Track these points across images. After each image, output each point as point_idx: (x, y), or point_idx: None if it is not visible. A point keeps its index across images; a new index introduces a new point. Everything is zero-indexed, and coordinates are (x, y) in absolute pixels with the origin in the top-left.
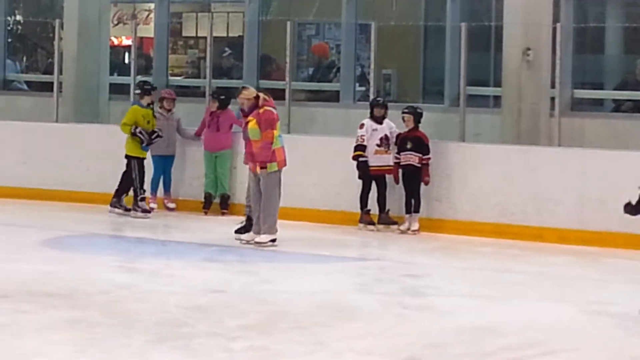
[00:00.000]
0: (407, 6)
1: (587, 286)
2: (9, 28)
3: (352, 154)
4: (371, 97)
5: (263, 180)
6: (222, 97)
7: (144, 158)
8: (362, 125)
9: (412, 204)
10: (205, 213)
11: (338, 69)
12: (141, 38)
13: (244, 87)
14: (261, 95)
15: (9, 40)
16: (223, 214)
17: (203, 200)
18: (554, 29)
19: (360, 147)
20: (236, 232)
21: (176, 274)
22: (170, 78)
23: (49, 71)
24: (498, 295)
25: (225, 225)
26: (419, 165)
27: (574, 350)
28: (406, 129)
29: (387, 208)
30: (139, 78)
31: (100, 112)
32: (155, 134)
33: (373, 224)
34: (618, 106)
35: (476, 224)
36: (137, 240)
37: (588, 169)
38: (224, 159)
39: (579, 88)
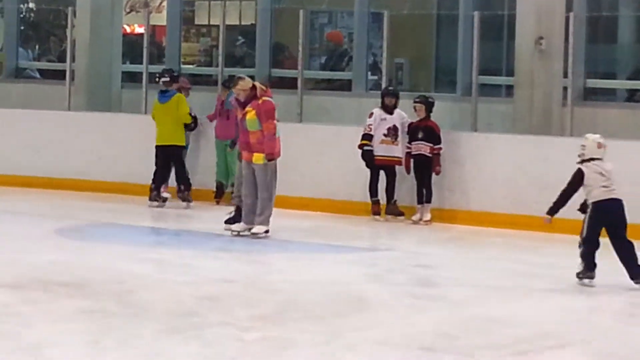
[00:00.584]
0: None
1: (600, 277)
2: (21, 16)
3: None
4: (383, 86)
5: (259, 171)
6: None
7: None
8: (371, 114)
9: (424, 194)
10: (217, 202)
11: (350, 58)
12: (154, 26)
13: (239, 78)
14: (257, 85)
15: (22, 28)
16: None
17: (215, 189)
18: (567, 18)
19: (366, 136)
20: (226, 222)
21: (189, 264)
22: (183, 66)
23: (61, 59)
24: (510, 286)
25: None
26: (430, 155)
27: (587, 342)
28: (418, 119)
29: (394, 199)
30: (152, 67)
31: (112, 100)
32: (197, 119)
33: (379, 214)
34: (631, 96)
35: (488, 214)
36: (151, 230)
37: None
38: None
39: (592, 77)
